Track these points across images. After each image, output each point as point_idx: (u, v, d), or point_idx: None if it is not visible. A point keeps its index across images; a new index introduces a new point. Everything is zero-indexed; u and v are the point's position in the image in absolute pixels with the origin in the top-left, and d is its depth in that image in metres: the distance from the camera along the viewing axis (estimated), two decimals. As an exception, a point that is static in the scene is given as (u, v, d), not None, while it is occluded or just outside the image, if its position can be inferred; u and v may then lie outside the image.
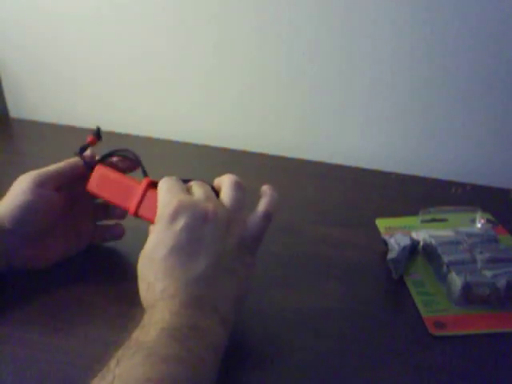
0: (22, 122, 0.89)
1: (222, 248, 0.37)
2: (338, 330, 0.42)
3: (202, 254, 0.36)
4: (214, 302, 0.35)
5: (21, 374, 0.38)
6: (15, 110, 0.91)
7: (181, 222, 0.37)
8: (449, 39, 0.63)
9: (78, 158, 0.48)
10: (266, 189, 0.43)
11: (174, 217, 0.37)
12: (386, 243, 0.51)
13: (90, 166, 0.47)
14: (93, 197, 0.48)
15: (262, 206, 0.41)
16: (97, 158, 0.49)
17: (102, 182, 0.47)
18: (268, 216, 0.41)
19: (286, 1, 0.68)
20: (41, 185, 0.44)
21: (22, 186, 0.44)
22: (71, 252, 0.49)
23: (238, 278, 0.38)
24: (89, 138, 0.49)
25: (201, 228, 0.37)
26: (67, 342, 0.41)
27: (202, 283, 0.36)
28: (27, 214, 0.44)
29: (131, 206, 0.44)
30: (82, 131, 0.83)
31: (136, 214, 0.44)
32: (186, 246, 0.36)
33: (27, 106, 0.90)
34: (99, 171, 0.47)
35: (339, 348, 0.40)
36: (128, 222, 0.50)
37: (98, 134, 0.50)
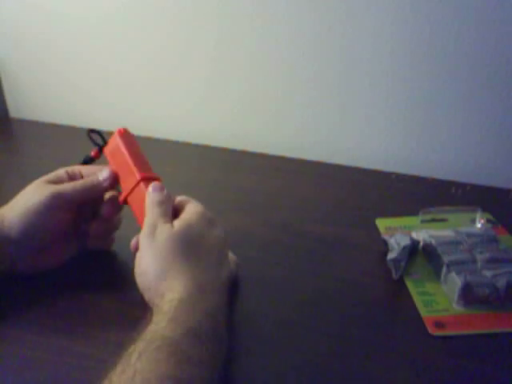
0: (22, 122, 0.89)
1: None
2: (337, 329, 0.42)
3: (225, 265, 0.42)
4: (223, 308, 0.38)
5: (21, 373, 0.38)
6: (15, 110, 0.91)
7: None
8: (449, 39, 0.63)
9: (97, 177, 0.46)
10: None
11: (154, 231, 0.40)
12: (386, 243, 0.51)
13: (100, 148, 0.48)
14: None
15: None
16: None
17: (114, 152, 0.47)
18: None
19: (286, 1, 0.68)
20: (57, 207, 0.44)
21: (36, 202, 0.43)
22: (73, 253, 0.49)
23: (228, 270, 0.42)
24: (93, 152, 0.50)
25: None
26: (69, 342, 0.41)
27: (224, 289, 0.40)
28: (37, 232, 0.43)
29: (123, 192, 0.46)
30: (81, 131, 0.83)
31: (125, 203, 0.46)
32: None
33: (27, 106, 0.90)
34: (116, 140, 0.47)
35: (339, 348, 0.40)
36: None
37: (100, 151, 0.50)
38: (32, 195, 0.43)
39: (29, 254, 0.45)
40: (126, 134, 0.48)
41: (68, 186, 0.45)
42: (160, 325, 0.33)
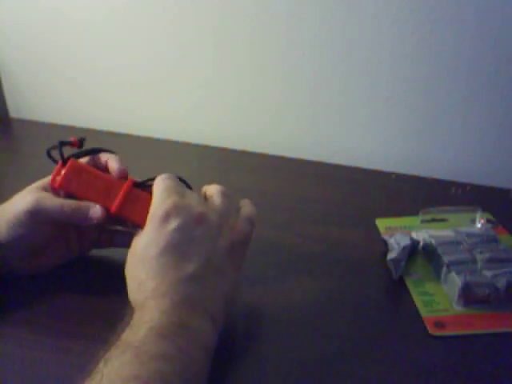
0: (22, 122, 0.89)
1: (212, 250, 0.38)
2: (337, 329, 0.42)
3: (193, 255, 0.37)
4: (204, 302, 0.36)
5: (21, 374, 0.38)
6: (15, 110, 0.91)
7: (174, 223, 0.37)
8: (449, 39, 0.63)
9: (88, 212, 0.42)
10: (245, 201, 0.44)
11: (167, 218, 0.37)
12: (386, 243, 0.51)
13: (66, 161, 0.44)
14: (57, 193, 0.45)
15: (247, 212, 0.42)
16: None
17: (78, 177, 0.43)
18: (253, 222, 0.42)
19: (286, 1, 0.68)
20: (38, 220, 0.42)
21: (19, 210, 0.41)
22: (71, 256, 0.48)
23: (227, 279, 0.38)
24: (72, 139, 0.46)
25: (193, 230, 0.37)
26: (69, 342, 0.41)
27: (193, 283, 0.36)
28: (23, 238, 0.42)
29: (113, 203, 0.42)
30: (81, 131, 0.84)
31: (118, 213, 0.42)
32: (179, 247, 0.37)
33: (27, 106, 0.90)
34: (74, 165, 0.44)
35: (339, 348, 0.40)
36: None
37: (81, 143, 0.46)
38: (19, 201, 0.42)
39: (20, 257, 0.44)
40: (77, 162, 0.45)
41: (55, 203, 0.42)
42: (125, 333, 0.33)
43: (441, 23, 0.63)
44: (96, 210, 0.42)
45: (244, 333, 0.42)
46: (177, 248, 0.37)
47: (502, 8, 0.60)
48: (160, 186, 0.41)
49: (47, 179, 0.44)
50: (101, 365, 0.30)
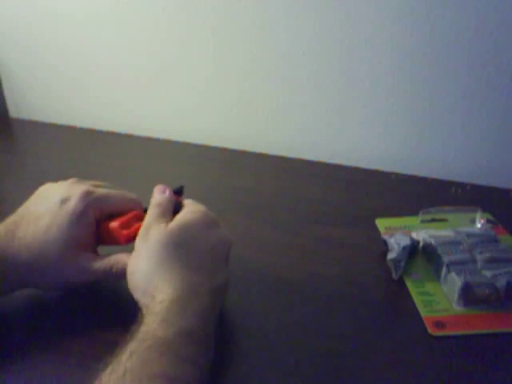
0: (22, 122, 0.89)
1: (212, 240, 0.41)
2: (337, 329, 0.42)
3: (221, 271, 0.40)
4: (214, 310, 0.38)
5: (21, 373, 0.38)
6: (15, 110, 0.91)
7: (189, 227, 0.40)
8: (449, 39, 0.63)
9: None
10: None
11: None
12: (385, 243, 0.51)
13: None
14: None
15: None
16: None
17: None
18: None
19: (286, 1, 0.68)
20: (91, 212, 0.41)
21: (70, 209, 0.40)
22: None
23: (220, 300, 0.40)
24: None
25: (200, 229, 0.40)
26: (69, 342, 0.41)
27: (219, 293, 0.39)
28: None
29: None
30: (81, 131, 0.84)
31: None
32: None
33: (27, 106, 0.90)
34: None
35: (339, 348, 0.40)
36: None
37: (180, 192, 0.47)
38: (56, 236, 0.40)
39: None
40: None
41: (103, 191, 0.43)
42: (151, 325, 0.33)
43: (441, 23, 0.63)
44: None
45: (244, 332, 0.42)
46: (214, 255, 0.40)
47: (502, 8, 0.60)
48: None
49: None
50: (124, 357, 0.30)
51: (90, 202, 0.41)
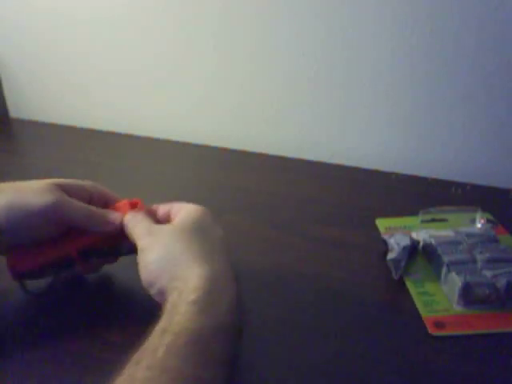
0: (22, 122, 0.89)
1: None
2: (337, 329, 0.42)
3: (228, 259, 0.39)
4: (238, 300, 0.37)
5: (22, 373, 0.38)
6: (15, 110, 0.91)
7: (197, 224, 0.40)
8: (449, 39, 0.63)
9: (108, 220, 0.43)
10: None
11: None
12: (386, 243, 0.51)
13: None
14: None
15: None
16: None
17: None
18: None
19: (286, 1, 0.68)
20: (53, 221, 0.42)
21: (35, 208, 0.40)
22: None
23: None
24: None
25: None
26: (70, 342, 0.41)
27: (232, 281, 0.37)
28: (25, 232, 0.41)
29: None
30: (81, 131, 0.84)
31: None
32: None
33: (27, 106, 0.90)
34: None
35: (339, 348, 0.40)
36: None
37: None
38: (37, 195, 0.41)
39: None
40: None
41: (77, 207, 0.42)
42: (186, 316, 0.32)
43: (441, 23, 0.63)
44: (117, 216, 0.42)
45: (243, 332, 0.42)
46: (223, 245, 0.39)
47: (502, 8, 0.60)
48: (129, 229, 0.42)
49: (63, 180, 0.44)
50: (160, 353, 0.29)
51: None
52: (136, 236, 0.40)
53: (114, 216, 0.43)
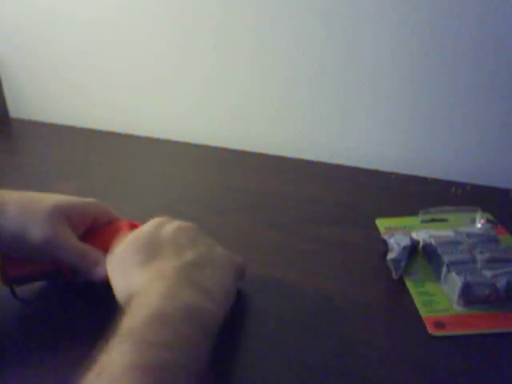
0: (22, 122, 0.89)
1: (208, 245, 0.42)
2: (337, 329, 0.42)
3: (190, 248, 0.40)
4: (204, 282, 0.38)
5: (23, 373, 0.38)
6: (15, 110, 0.91)
7: (168, 223, 0.43)
8: (449, 39, 0.63)
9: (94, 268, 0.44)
10: None
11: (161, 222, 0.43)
12: (386, 243, 0.51)
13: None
14: None
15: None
16: None
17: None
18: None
19: (286, 1, 0.68)
20: (48, 250, 0.42)
21: (32, 238, 0.41)
22: None
23: (225, 268, 0.41)
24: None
25: (186, 230, 0.43)
26: (70, 342, 0.41)
27: (193, 267, 0.38)
28: (24, 248, 0.42)
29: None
30: (81, 131, 0.84)
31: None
32: (175, 240, 0.41)
33: (27, 106, 0.90)
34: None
35: (339, 348, 0.40)
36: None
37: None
38: (36, 225, 0.41)
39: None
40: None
41: (70, 246, 0.43)
42: (123, 320, 0.33)
43: (441, 23, 0.63)
44: (100, 270, 0.43)
45: (244, 332, 0.42)
46: (173, 241, 0.40)
47: (502, 8, 0.60)
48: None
49: (67, 202, 0.44)
50: (100, 356, 0.30)
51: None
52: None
53: (100, 266, 0.43)
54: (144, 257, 0.39)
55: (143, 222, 0.44)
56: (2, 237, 0.41)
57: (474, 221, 0.55)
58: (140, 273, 0.38)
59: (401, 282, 0.47)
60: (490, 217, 0.56)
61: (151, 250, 0.39)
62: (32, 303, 0.45)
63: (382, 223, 0.56)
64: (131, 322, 0.32)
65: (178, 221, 0.44)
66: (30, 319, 0.44)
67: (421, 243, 0.52)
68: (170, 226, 0.42)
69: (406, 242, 0.49)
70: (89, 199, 0.46)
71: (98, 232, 0.46)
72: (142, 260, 0.38)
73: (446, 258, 0.47)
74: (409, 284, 0.47)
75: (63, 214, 0.43)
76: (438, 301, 0.45)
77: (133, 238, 0.41)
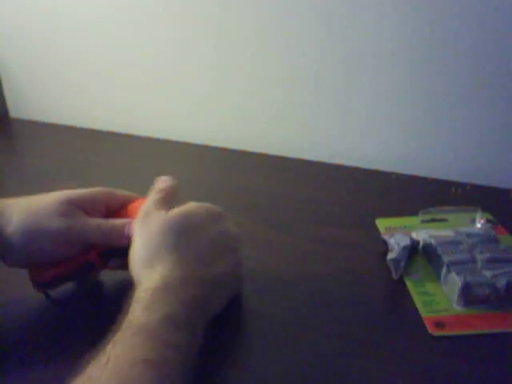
0: (22, 122, 0.89)
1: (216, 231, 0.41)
2: (337, 329, 0.42)
3: (220, 260, 0.40)
4: (216, 302, 0.39)
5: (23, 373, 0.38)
6: (15, 110, 0.91)
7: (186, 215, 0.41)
8: (449, 39, 0.63)
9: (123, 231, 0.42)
10: None
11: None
12: (386, 243, 0.51)
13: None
14: None
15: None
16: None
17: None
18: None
19: (286, 1, 0.68)
20: (67, 241, 0.42)
21: (50, 230, 0.40)
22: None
23: (227, 259, 0.41)
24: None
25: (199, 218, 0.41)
26: (71, 342, 0.41)
27: (213, 284, 0.38)
28: (36, 248, 0.41)
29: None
30: (81, 131, 0.84)
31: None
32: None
33: (27, 106, 0.90)
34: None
35: (339, 348, 0.40)
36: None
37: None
38: (52, 218, 0.41)
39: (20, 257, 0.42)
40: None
41: (92, 225, 0.42)
42: (135, 314, 0.33)
43: (441, 23, 0.63)
44: (131, 228, 0.41)
45: (244, 332, 0.42)
46: (211, 244, 0.40)
47: (502, 8, 0.60)
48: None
49: (76, 194, 0.44)
50: (108, 347, 0.30)
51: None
52: (145, 204, 0.41)
53: (128, 228, 0.42)
54: (176, 242, 0.38)
55: None
56: (13, 244, 0.40)
57: (473, 221, 0.54)
58: (162, 266, 0.36)
59: (401, 282, 0.47)
60: (490, 217, 0.56)
61: (187, 240, 0.38)
62: (65, 305, 0.45)
63: (381, 223, 0.56)
64: (149, 318, 0.32)
65: (227, 221, 0.43)
66: (30, 319, 0.44)
67: (421, 243, 0.52)
68: (217, 226, 0.41)
69: (405, 241, 0.49)
70: (96, 188, 0.45)
71: (117, 215, 0.44)
72: (173, 244, 0.37)
73: (445, 258, 0.47)
74: (409, 284, 0.47)
75: (74, 205, 0.42)
76: (438, 301, 0.45)
77: (179, 216, 0.39)
